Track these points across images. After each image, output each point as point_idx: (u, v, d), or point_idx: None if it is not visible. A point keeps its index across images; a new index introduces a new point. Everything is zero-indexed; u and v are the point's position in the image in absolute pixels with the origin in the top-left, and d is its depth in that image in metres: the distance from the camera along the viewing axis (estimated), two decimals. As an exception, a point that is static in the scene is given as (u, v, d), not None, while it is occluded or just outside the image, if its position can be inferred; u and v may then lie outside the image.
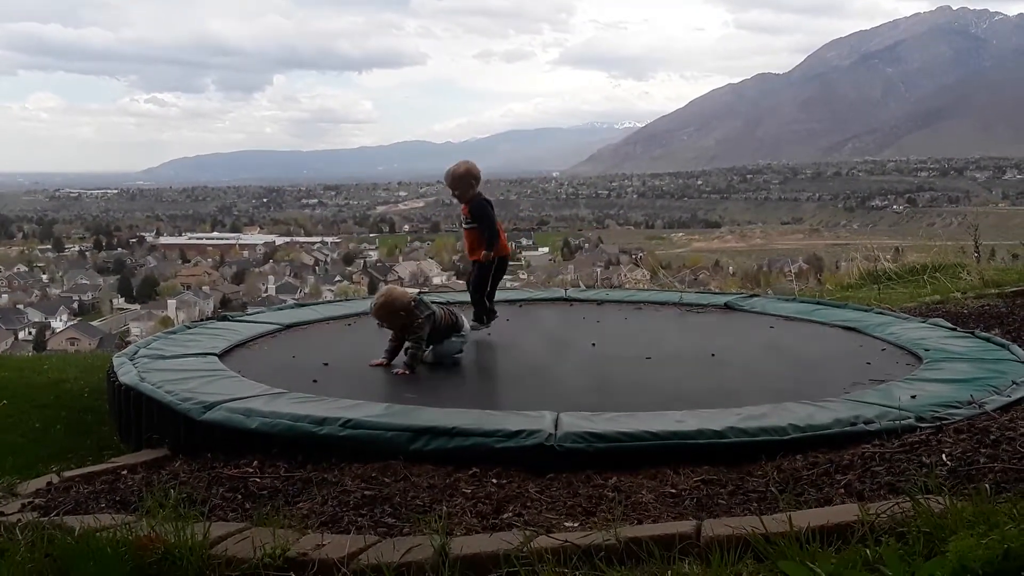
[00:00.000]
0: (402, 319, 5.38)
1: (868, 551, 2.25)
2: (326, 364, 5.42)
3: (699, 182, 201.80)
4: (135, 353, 5.49)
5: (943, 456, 3.32)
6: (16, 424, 5.28)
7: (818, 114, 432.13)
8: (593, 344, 6.08)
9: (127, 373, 4.93)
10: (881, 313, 7.04)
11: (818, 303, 7.76)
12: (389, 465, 3.62)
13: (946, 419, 3.85)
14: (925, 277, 10.33)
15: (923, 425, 3.79)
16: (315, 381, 4.96)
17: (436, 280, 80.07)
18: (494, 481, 3.43)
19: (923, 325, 6.42)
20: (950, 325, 6.39)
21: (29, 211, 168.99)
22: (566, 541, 2.57)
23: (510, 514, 3.06)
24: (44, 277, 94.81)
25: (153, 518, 2.84)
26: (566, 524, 2.93)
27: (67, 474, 3.97)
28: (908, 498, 2.61)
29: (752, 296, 8.40)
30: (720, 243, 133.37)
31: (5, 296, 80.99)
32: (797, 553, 2.27)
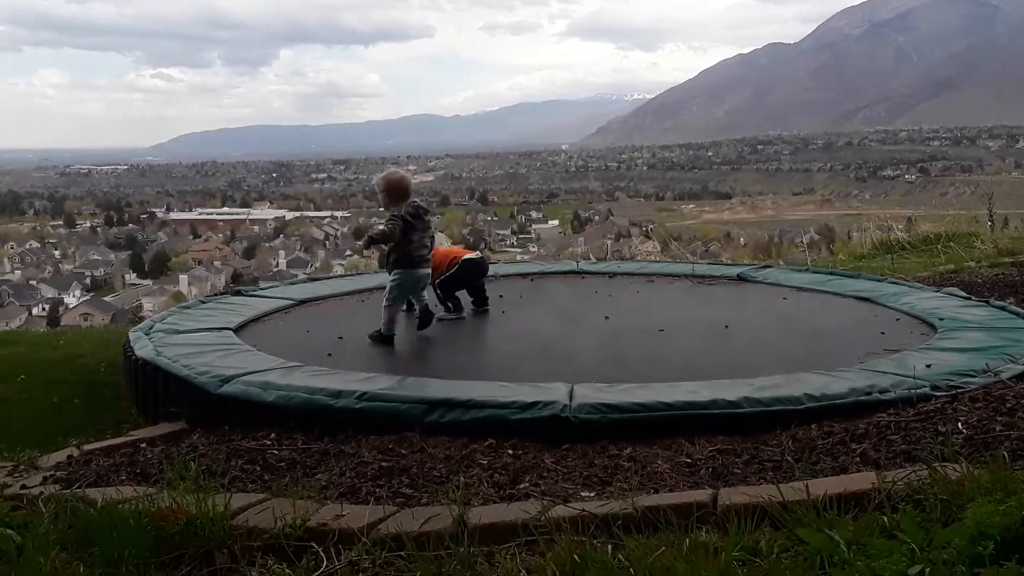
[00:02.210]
0: (393, 198, 5.48)
1: (885, 518, 2.27)
2: (341, 338, 5.44)
3: (709, 153, 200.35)
4: (151, 328, 5.53)
5: (959, 424, 3.32)
6: (34, 399, 5.33)
7: (829, 84, 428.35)
8: (606, 317, 6.09)
9: (144, 347, 4.97)
10: (895, 283, 7.02)
11: (831, 273, 7.74)
12: (405, 437, 3.64)
13: (961, 388, 3.86)
14: (939, 246, 10.31)
15: (938, 394, 3.79)
16: (329, 355, 4.99)
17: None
18: (510, 452, 3.46)
19: (937, 294, 6.41)
20: (964, 294, 6.37)
21: (40, 188, 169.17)
22: (583, 510, 2.59)
23: (527, 484, 3.08)
24: (56, 253, 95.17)
25: (174, 490, 2.87)
26: (583, 494, 2.95)
27: (87, 447, 4.00)
28: (925, 466, 2.62)
29: (765, 267, 8.38)
30: (731, 214, 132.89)
31: (18, 272, 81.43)
32: (815, 521, 2.28)
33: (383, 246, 5.61)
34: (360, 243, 5.73)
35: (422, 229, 5.50)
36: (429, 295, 5.90)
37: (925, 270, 8.67)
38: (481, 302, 6.48)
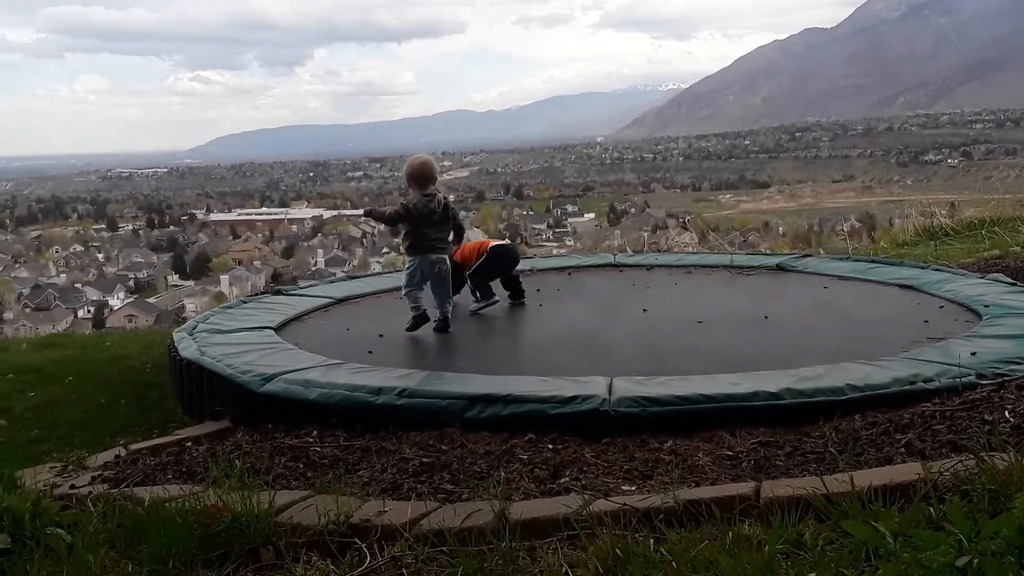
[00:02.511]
0: (415, 183, 5.53)
1: (932, 509, 2.24)
2: (381, 335, 5.47)
3: (746, 142, 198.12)
4: (194, 328, 5.60)
5: (1006, 413, 3.27)
6: (81, 400, 5.43)
7: (868, 68, 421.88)
8: (644, 310, 6.07)
9: (188, 348, 5.04)
10: (938, 270, 6.91)
11: (873, 261, 7.64)
12: (445, 433, 3.66)
13: (1008, 375, 3.80)
14: (983, 232, 10.14)
15: (984, 382, 3.73)
16: (370, 352, 5.03)
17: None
18: (550, 447, 3.46)
19: (982, 281, 6.30)
20: (1010, 280, 6.26)
21: (82, 192, 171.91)
22: (625, 504, 2.58)
23: (567, 479, 3.08)
24: (100, 256, 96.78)
25: (219, 488, 2.91)
26: (624, 488, 2.94)
27: (134, 447, 4.07)
28: (971, 456, 2.58)
29: (805, 256, 8.30)
30: (769, 203, 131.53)
31: (63, 276, 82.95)
32: (860, 512, 2.26)
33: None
34: (362, 211, 5.92)
35: (437, 223, 5.51)
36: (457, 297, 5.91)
37: (969, 256, 8.53)
38: (517, 295, 6.49)
